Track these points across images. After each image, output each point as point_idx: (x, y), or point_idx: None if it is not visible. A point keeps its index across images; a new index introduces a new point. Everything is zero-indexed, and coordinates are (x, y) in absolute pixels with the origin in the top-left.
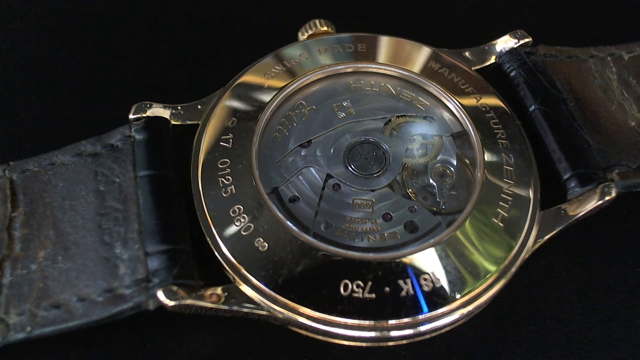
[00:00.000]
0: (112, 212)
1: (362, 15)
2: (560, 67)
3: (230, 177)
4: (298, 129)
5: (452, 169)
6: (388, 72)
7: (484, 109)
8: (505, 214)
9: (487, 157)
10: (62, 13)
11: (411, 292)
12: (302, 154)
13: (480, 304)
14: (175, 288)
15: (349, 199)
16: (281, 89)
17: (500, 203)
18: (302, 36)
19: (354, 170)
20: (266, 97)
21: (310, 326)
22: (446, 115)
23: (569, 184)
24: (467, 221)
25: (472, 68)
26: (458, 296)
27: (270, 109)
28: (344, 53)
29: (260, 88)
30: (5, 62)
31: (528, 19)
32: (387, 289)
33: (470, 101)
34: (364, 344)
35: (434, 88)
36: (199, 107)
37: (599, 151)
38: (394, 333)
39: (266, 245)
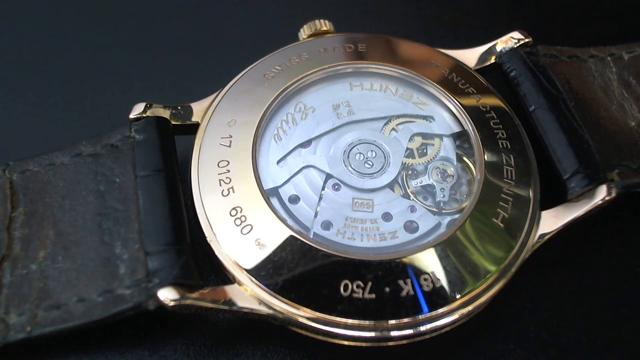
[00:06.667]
0: (112, 212)
1: (362, 15)
2: (560, 67)
3: (230, 177)
4: (298, 129)
5: (452, 169)
6: (388, 72)
7: (484, 109)
8: (506, 214)
9: (487, 157)
10: (62, 13)
11: (411, 292)
12: (302, 154)
13: (480, 304)
14: (175, 288)
15: (349, 199)
16: (281, 89)
17: (500, 203)
18: (302, 36)
19: (354, 170)
20: (266, 97)
21: (310, 326)
22: (446, 115)
23: (569, 184)
24: (467, 221)
25: (472, 68)
26: (458, 296)
27: (270, 109)
28: (344, 53)
29: (260, 88)
30: (5, 62)
31: (528, 19)
32: (387, 289)
33: (470, 101)
34: (364, 344)
35: (434, 88)
36: (198, 107)
37: (599, 151)
38: (394, 333)
39: (266, 245)
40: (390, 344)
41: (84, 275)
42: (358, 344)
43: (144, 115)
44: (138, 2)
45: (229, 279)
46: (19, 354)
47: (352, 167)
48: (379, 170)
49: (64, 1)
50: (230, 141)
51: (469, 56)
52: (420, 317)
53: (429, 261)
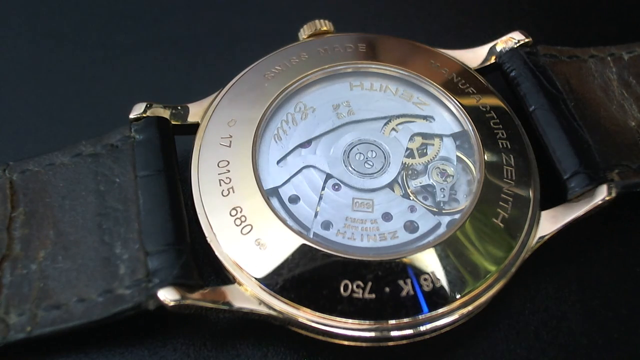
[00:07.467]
0: (112, 212)
1: (362, 15)
2: (560, 67)
3: (229, 178)
4: (298, 129)
5: (452, 169)
6: (388, 72)
7: (484, 109)
8: (506, 214)
9: (487, 157)
10: (62, 13)
11: (411, 292)
12: (302, 154)
13: (480, 304)
14: (175, 288)
15: (348, 199)
16: (281, 89)
17: (500, 203)
18: (302, 36)
19: (354, 170)
20: (266, 97)
21: (310, 326)
22: (446, 115)
23: (569, 184)
24: (467, 221)
25: (472, 68)
26: (458, 296)
27: (270, 109)
28: (344, 53)
29: (260, 88)
30: (5, 62)
31: (528, 19)
32: (387, 289)
33: (470, 101)
34: (364, 344)
35: (434, 88)
36: (198, 107)
37: (599, 151)
38: (394, 333)
39: (266, 245)
40: (390, 344)
41: (84, 275)
42: (358, 344)
43: (144, 115)
44: (138, 2)
45: (229, 279)
46: (19, 354)
47: (352, 167)
48: (379, 170)
49: (64, 1)
50: (230, 141)
51: (469, 56)
52: (420, 317)
53: (429, 261)
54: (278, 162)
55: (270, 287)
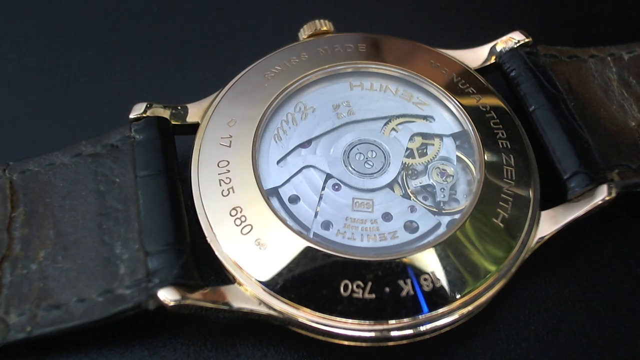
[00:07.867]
0: (112, 212)
1: (362, 15)
2: (560, 67)
3: (229, 178)
4: (298, 129)
5: (452, 168)
6: (388, 72)
7: (484, 109)
8: (505, 214)
9: (487, 157)
10: (62, 13)
11: (411, 292)
12: (302, 154)
13: (480, 304)
14: (175, 288)
15: (348, 199)
16: (281, 89)
17: (500, 203)
18: (302, 36)
19: (354, 170)
20: (266, 97)
21: (310, 326)
22: (446, 115)
23: (569, 184)
24: (467, 221)
25: (472, 68)
26: (458, 296)
27: (270, 109)
28: (344, 53)
29: (260, 88)
30: (5, 62)
31: (528, 19)
32: (387, 289)
33: (470, 101)
34: (364, 344)
35: (434, 88)
36: (198, 107)
37: (599, 151)
38: (394, 333)
39: (266, 245)
40: (390, 344)
41: (84, 275)
42: (358, 344)
43: (144, 115)
44: (138, 2)
45: (229, 279)
46: (19, 354)
47: (352, 167)
48: (379, 170)
49: (64, 1)
50: (230, 141)
51: (469, 56)
52: (420, 317)
53: (429, 261)
54: (278, 162)
55: (270, 287)
